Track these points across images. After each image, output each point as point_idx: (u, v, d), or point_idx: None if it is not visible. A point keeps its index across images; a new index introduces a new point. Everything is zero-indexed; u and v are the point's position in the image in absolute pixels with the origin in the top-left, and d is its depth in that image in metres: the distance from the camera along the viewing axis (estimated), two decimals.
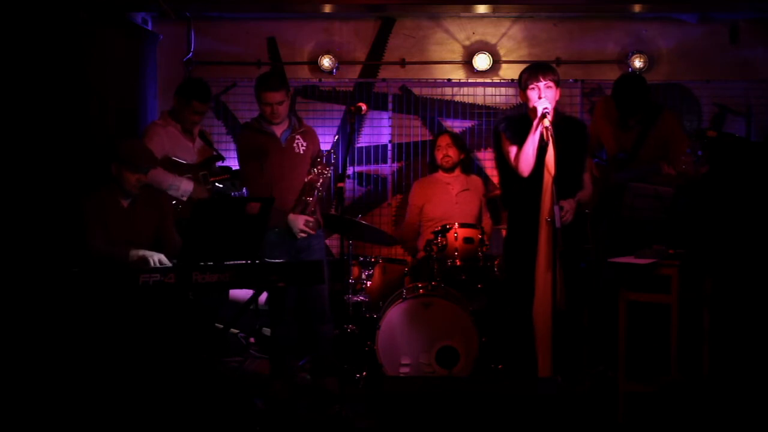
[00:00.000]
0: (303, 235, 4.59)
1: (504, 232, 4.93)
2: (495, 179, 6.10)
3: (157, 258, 3.92)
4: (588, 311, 4.67)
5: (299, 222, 4.58)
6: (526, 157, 4.11)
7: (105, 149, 4.34)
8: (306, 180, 4.65)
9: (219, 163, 5.17)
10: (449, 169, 5.59)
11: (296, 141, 4.68)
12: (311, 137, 4.78)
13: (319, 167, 4.66)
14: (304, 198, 4.62)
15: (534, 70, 4.20)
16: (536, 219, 4.10)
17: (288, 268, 3.93)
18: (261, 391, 4.48)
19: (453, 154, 5.58)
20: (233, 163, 5.25)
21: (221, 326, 4.85)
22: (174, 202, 4.73)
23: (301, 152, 4.68)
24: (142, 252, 3.93)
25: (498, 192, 5.55)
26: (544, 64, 4.51)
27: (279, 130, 4.67)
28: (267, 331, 5.63)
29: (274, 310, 4.72)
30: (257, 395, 4.39)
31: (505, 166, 4.28)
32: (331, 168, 4.82)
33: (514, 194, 4.29)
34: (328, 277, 4.73)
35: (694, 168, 4.42)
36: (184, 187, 4.75)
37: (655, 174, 4.63)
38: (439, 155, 5.61)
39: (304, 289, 4.63)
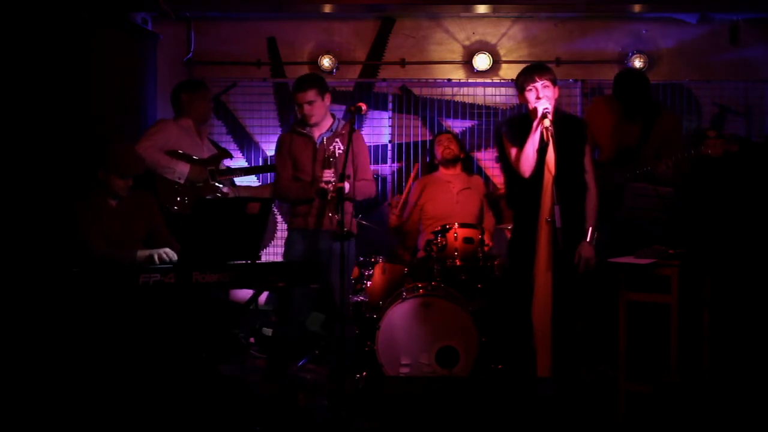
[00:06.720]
0: (324, 185, 4.50)
1: (507, 233, 4.93)
2: (495, 179, 6.11)
3: (163, 253, 3.93)
4: (587, 311, 4.67)
5: (325, 174, 4.50)
6: (526, 158, 4.11)
7: (93, 152, 4.31)
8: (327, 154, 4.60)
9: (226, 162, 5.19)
10: (450, 162, 5.58)
11: (334, 143, 4.64)
12: (355, 141, 4.61)
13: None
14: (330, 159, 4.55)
15: (529, 72, 4.20)
16: (537, 219, 4.09)
17: (288, 268, 3.93)
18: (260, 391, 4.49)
19: (454, 147, 5.59)
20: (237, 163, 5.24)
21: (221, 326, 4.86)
22: (178, 199, 4.73)
23: (337, 154, 4.61)
24: (148, 252, 3.95)
25: (500, 192, 5.55)
26: (539, 64, 4.50)
27: (317, 133, 4.66)
28: (267, 331, 5.63)
29: (281, 310, 4.74)
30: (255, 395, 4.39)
31: (509, 168, 4.29)
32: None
33: (518, 195, 4.29)
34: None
35: (672, 174, 4.48)
36: (180, 169, 4.77)
37: (651, 174, 4.64)
38: (439, 149, 5.61)
39: (334, 289, 4.60)
